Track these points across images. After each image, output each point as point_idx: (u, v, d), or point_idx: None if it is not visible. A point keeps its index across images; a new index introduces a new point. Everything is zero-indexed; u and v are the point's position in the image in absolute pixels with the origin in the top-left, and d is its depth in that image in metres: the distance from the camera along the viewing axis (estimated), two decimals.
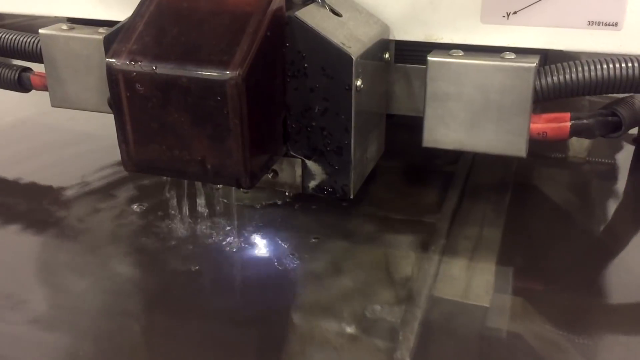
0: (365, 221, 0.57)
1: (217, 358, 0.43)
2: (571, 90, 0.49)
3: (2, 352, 0.43)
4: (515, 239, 0.55)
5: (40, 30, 0.60)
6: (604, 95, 0.51)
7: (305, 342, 0.43)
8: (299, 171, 0.51)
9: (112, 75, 0.43)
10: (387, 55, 0.53)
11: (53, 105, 0.63)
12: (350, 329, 0.44)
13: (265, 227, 0.55)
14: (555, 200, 0.63)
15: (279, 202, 0.59)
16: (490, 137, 0.50)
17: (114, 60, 0.43)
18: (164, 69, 0.42)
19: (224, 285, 0.50)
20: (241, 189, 0.51)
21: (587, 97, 0.73)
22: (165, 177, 0.54)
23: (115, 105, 0.45)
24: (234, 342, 0.44)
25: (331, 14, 0.49)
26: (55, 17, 0.63)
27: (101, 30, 0.59)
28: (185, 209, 0.56)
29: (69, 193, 0.63)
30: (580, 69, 0.48)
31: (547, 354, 0.42)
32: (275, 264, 0.51)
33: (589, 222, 0.59)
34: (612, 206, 0.62)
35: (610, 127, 0.51)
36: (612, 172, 0.68)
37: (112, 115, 0.46)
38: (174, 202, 0.55)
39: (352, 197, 0.51)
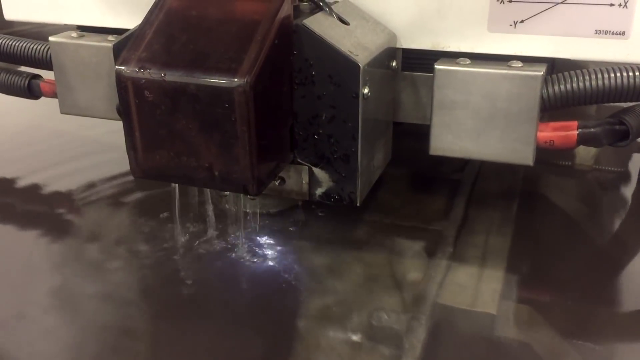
0: (371, 228, 0.57)
1: None
2: (578, 98, 0.49)
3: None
4: (522, 247, 0.55)
5: (50, 38, 0.61)
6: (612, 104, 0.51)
7: (311, 349, 0.43)
8: (305, 178, 0.51)
9: (122, 82, 0.44)
10: (394, 63, 0.53)
11: (62, 112, 0.63)
12: (355, 336, 0.44)
13: (270, 234, 0.56)
14: (562, 209, 0.63)
15: (285, 209, 0.59)
16: (497, 145, 0.50)
17: (123, 67, 0.44)
18: (172, 76, 0.43)
19: (225, 290, 0.50)
20: (248, 196, 0.51)
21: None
22: (172, 184, 0.54)
23: (124, 112, 0.45)
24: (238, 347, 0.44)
25: (339, 22, 0.49)
26: (65, 24, 0.64)
27: (110, 37, 0.59)
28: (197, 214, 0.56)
29: (77, 199, 0.63)
30: (587, 77, 0.48)
31: None
32: (280, 270, 0.51)
33: (596, 230, 0.59)
34: (619, 214, 0.62)
35: (618, 136, 0.51)
36: (619, 181, 0.68)
37: (121, 122, 0.46)
38: (177, 208, 0.55)
39: (358, 204, 0.51)
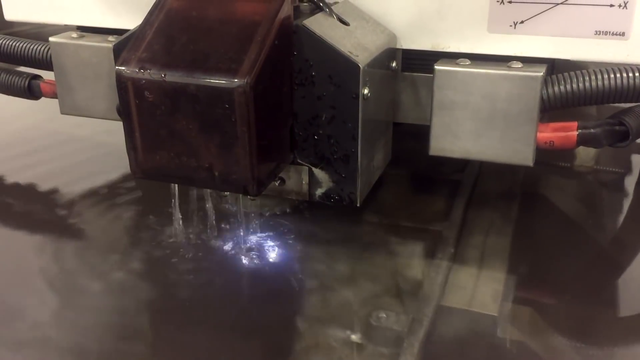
0: (371, 229, 0.57)
1: None
2: (578, 99, 0.49)
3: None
4: (523, 248, 0.55)
5: (50, 39, 0.61)
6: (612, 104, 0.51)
7: (310, 349, 0.43)
8: (305, 179, 0.51)
9: (122, 82, 0.44)
10: (394, 64, 0.53)
11: (62, 113, 0.63)
12: (355, 337, 0.44)
13: (270, 234, 0.56)
14: (563, 209, 0.63)
15: (286, 210, 0.59)
16: (497, 146, 0.50)
17: (123, 68, 0.44)
18: (172, 76, 0.43)
19: (227, 292, 0.50)
20: (248, 197, 0.51)
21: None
22: (172, 184, 0.54)
23: (124, 112, 0.45)
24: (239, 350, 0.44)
25: (339, 22, 0.49)
26: (65, 25, 0.64)
27: (111, 38, 0.60)
28: (194, 216, 0.56)
29: (77, 199, 0.63)
30: (587, 78, 0.48)
31: None
32: (280, 270, 0.51)
33: (596, 231, 0.59)
34: (619, 215, 0.62)
35: (618, 137, 0.51)
36: (619, 181, 0.68)
37: (121, 122, 0.46)
38: (178, 207, 0.55)
39: (358, 205, 0.51)
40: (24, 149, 0.76)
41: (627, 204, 0.64)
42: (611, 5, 0.47)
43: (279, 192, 0.53)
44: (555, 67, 0.53)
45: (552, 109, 0.49)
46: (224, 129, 0.43)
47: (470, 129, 0.50)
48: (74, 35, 0.61)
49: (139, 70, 0.43)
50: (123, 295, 0.49)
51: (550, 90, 0.49)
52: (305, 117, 0.49)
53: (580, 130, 0.50)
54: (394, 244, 0.55)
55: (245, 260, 0.52)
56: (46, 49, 0.62)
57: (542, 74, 0.48)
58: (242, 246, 0.54)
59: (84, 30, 0.62)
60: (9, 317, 0.47)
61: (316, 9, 0.49)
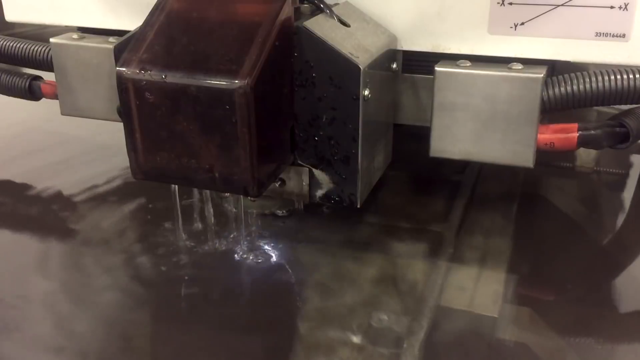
0: (371, 230, 0.57)
1: None
2: (579, 101, 0.49)
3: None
4: (523, 249, 0.55)
5: (51, 39, 0.61)
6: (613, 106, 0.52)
7: (311, 351, 0.43)
8: (306, 180, 0.51)
9: (122, 83, 0.44)
10: (394, 65, 0.53)
11: (63, 114, 0.63)
12: (356, 339, 0.44)
13: (270, 235, 0.56)
14: (563, 210, 0.63)
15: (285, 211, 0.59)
16: (497, 148, 0.50)
17: (124, 69, 0.44)
18: (173, 77, 0.43)
19: (227, 291, 0.50)
20: (248, 198, 0.51)
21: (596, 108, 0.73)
22: (173, 185, 0.54)
23: (124, 113, 0.45)
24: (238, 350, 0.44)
25: (339, 24, 0.49)
26: (66, 26, 0.64)
27: (111, 39, 0.60)
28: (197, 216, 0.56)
29: (78, 200, 0.63)
30: (587, 80, 0.48)
31: None
32: (280, 271, 0.51)
33: (596, 232, 0.59)
34: (619, 216, 0.62)
35: (618, 138, 0.51)
36: (619, 182, 0.68)
37: (122, 123, 0.46)
38: (178, 207, 0.55)
39: (359, 206, 0.51)
40: (24, 149, 0.76)
41: (627, 205, 0.64)
42: (612, 7, 0.47)
43: (279, 193, 0.53)
44: (555, 69, 0.53)
45: (552, 110, 0.49)
46: (224, 130, 0.43)
47: (471, 130, 0.50)
48: (75, 36, 0.61)
49: (140, 71, 0.43)
50: (122, 295, 0.49)
51: (550, 92, 0.49)
52: (305, 118, 0.49)
53: (580, 132, 0.50)
54: (394, 245, 0.55)
55: (244, 259, 0.52)
56: (47, 50, 0.62)
57: (542, 75, 0.48)
58: (242, 246, 0.54)
59: (85, 31, 0.62)
60: (7, 319, 0.47)
61: (317, 10, 0.49)
